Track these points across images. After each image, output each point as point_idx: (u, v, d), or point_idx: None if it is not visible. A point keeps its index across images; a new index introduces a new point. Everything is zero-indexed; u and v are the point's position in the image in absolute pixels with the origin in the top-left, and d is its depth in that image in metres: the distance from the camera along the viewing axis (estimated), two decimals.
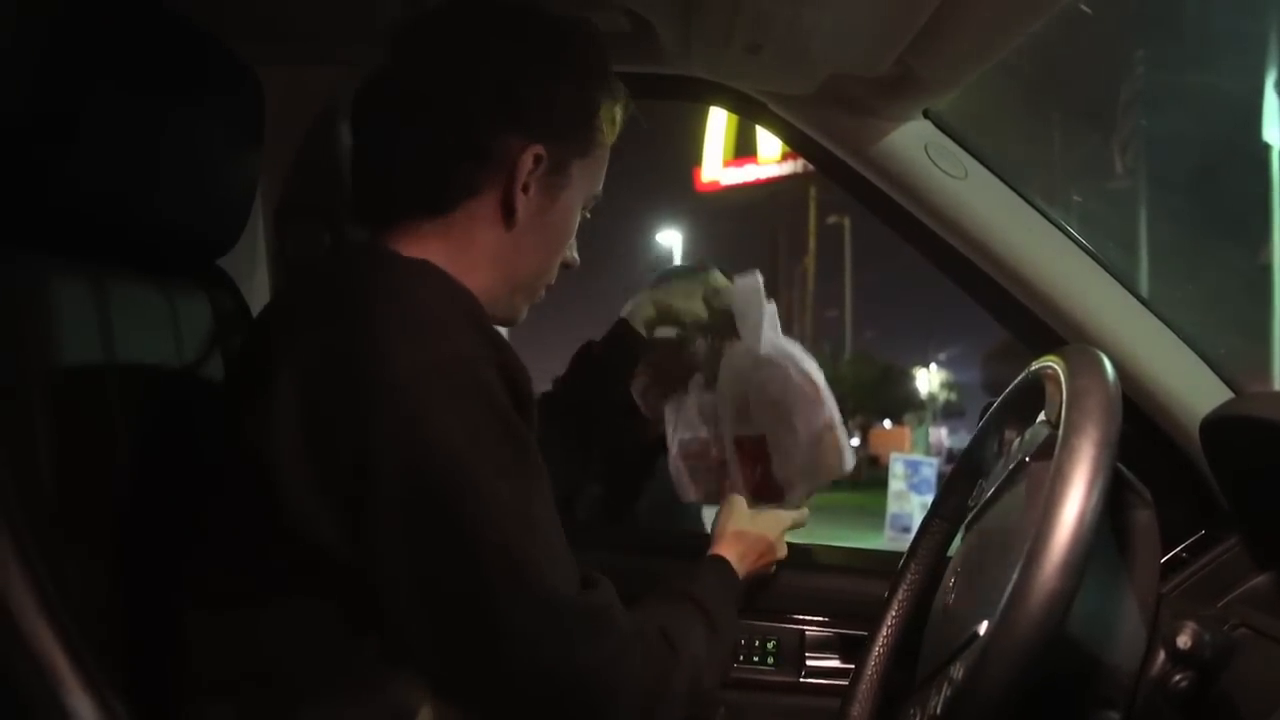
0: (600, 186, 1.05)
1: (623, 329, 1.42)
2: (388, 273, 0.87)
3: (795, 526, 1.35)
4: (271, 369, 0.81)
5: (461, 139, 0.93)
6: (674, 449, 1.44)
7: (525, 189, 0.94)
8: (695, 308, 1.40)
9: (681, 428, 1.44)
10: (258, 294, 1.48)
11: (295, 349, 0.82)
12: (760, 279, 1.34)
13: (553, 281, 1.05)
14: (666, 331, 1.44)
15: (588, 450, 1.46)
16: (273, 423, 0.79)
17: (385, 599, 0.79)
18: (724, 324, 1.39)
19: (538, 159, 0.94)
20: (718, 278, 1.44)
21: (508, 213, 0.95)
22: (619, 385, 1.45)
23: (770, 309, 1.33)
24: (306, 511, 0.78)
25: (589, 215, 1.06)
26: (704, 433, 1.42)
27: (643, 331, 1.42)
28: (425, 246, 0.93)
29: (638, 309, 1.43)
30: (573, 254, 1.06)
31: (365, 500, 0.77)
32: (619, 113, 1.02)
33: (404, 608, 0.79)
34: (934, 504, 1.20)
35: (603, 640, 0.84)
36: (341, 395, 0.78)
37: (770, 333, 1.33)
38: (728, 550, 1.23)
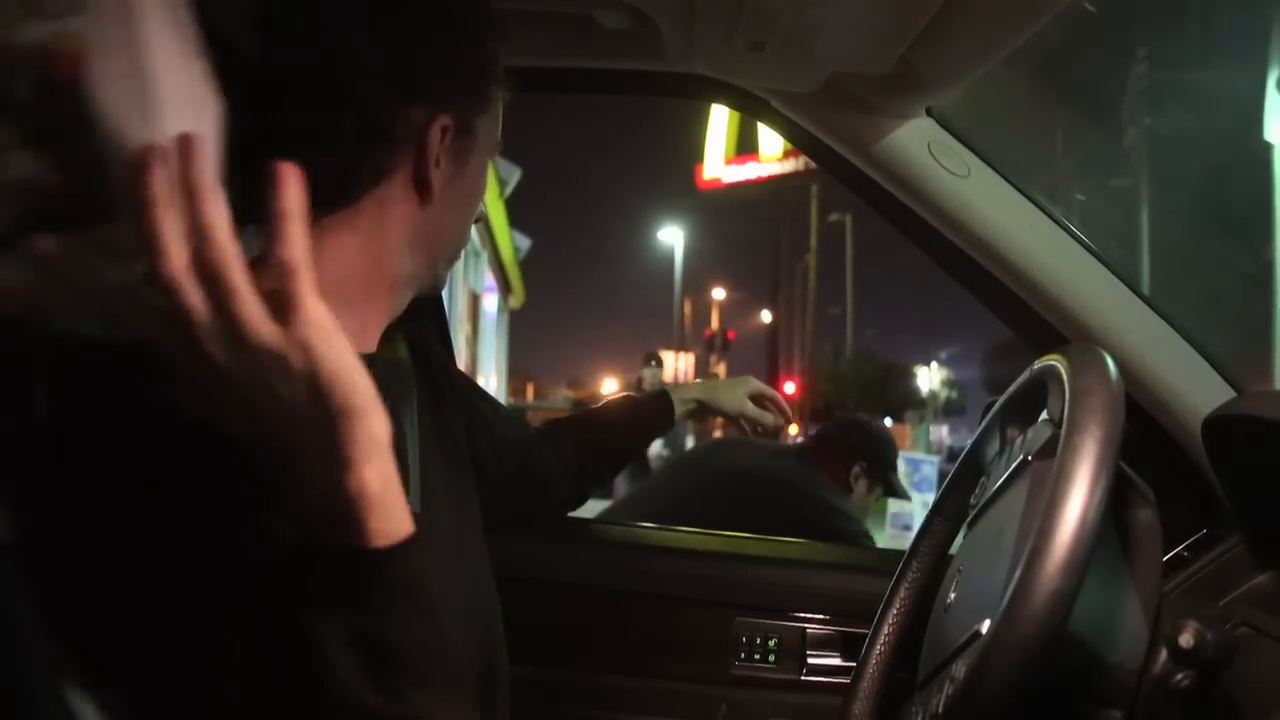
0: (499, 132, 0.96)
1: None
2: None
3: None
4: None
5: (361, 123, 0.81)
6: None
7: (436, 162, 0.85)
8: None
9: None
10: None
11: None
12: None
13: (468, 241, 0.97)
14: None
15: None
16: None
17: None
18: None
19: (445, 129, 0.85)
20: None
21: (421, 190, 0.85)
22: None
23: None
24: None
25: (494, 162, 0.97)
26: None
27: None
28: (327, 244, 0.83)
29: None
30: (481, 207, 0.98)
31: None
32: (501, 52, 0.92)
33: None
34: (936, 502, 1.20)
35: None
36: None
37: None
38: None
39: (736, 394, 1.55)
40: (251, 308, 0.56)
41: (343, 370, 0.59)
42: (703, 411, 1.56)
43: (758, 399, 1.56)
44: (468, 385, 1.24)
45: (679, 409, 1.52)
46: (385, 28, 0.83)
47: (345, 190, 0.83)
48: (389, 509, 0.62)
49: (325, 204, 0.82)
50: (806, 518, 2.21)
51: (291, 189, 0.57)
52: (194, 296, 0.55)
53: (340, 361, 0.59)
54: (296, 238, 0.57)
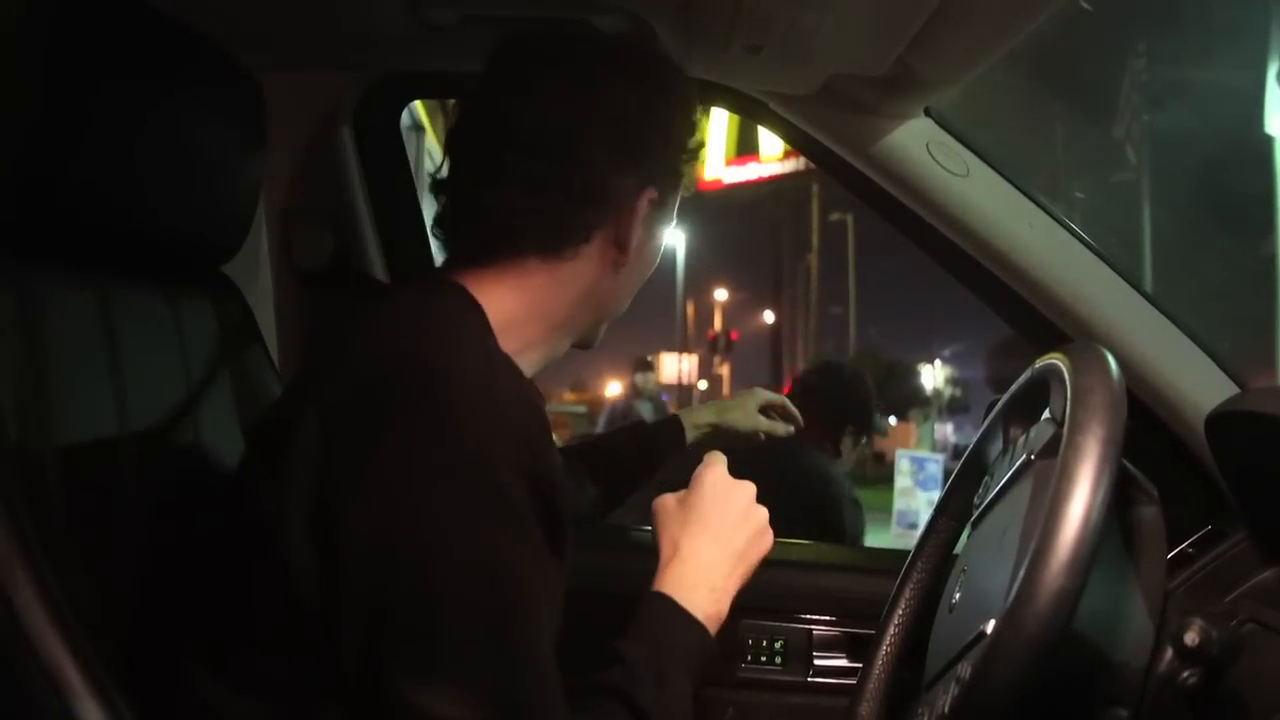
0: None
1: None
2: (446, 347, 0.82)
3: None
4: (300, 413, 0.79)
5: (587, 183, 0.90)
6: None
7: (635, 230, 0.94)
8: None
9: None
10: (261, 299, 1.48)
11: (324, 401, 0.80)
12: None
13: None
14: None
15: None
16: (286, 469, 0.77)
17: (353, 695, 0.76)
18: None
19: (651, 201, 0.94)
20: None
21: (618, 252, 0.94)
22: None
23: None
24: (296, 570, 0.77)
25: None
26: None
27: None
28: (529, 283, 0.91)
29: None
30: None
31: (344, 581, 0.75)
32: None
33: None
34: (940, 502, 1.20)
35: None
36: (348, 468, 0.76)
37: None
38: (675, 579, 0.92)
39: (748, 411, 1.54)
40: None
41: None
42: (716, 435, 1.54)
43: (767, 410, 1.55)
44: None
45: (691, 434, 1.51)
46: (623, 101, 0.92)
47: (560, 239, 0.91)
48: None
49: (539, 250, 0.91)
50: (798, 487, 2.23)
51: None
52: None
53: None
54: None
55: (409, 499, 0.74)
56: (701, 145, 0.99)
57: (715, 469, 0.98)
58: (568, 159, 0.90)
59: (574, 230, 0.92)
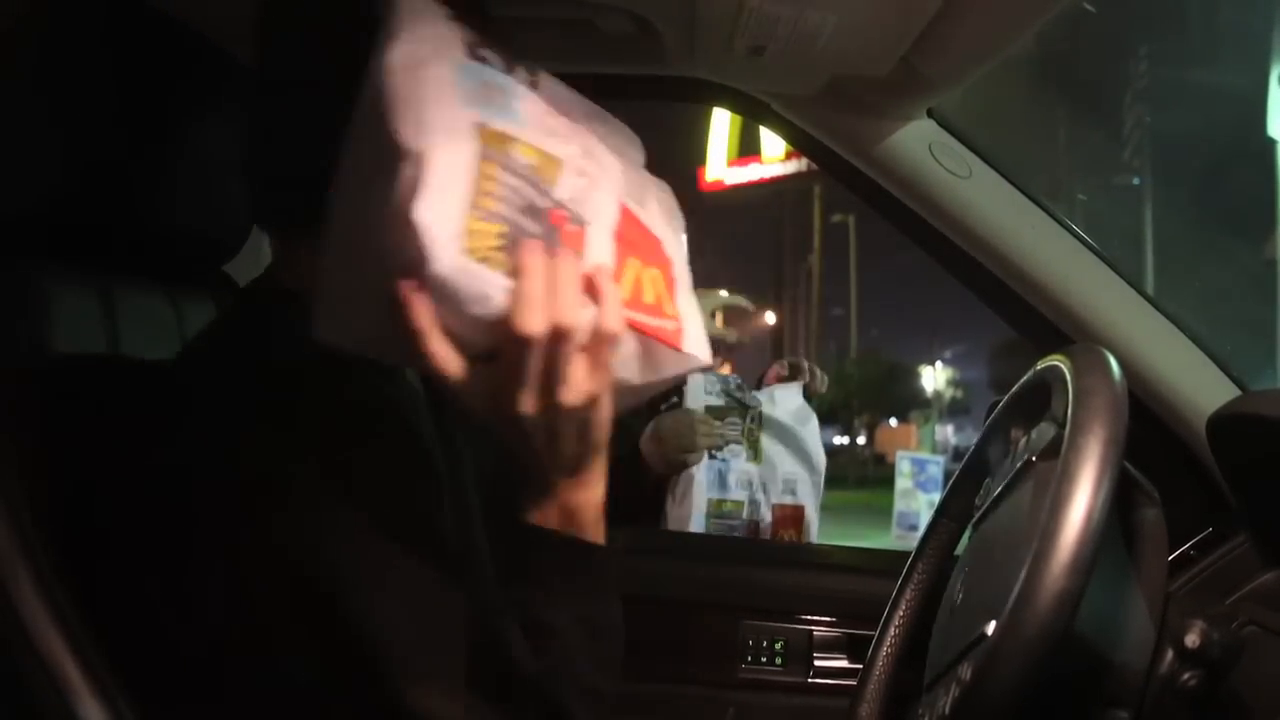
0: None
1: None
2: (261, 349, 0.82)
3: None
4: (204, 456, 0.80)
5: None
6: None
7: None
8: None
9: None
10: None
11: (215, 443, 0.80)
12: None
13: None
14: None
15: None
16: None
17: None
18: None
19: None
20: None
21: None
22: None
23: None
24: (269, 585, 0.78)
25: None
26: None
27: None
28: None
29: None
30: None
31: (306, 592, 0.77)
32: None
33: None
34: (941, 503, 1.20)
35: None
36: (255, 495, 0.77)
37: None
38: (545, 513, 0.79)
39: None
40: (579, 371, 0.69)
41: (607, 419, 0.73)
42: None
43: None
44: None
45: None
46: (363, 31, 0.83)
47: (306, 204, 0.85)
48: (599, 520, 0.77)
49: (303, 223, 0.86)
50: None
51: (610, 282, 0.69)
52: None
53: (608, 411, 0.72)
54: (616, 315, 0.68)
55: (320, 495, 0.75)
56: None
57: None
58: (329, 105, 0.81)
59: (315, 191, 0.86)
